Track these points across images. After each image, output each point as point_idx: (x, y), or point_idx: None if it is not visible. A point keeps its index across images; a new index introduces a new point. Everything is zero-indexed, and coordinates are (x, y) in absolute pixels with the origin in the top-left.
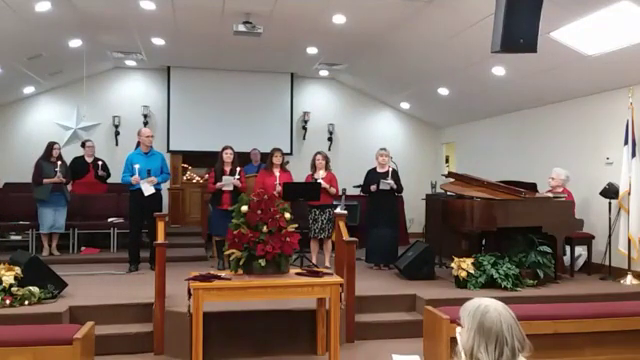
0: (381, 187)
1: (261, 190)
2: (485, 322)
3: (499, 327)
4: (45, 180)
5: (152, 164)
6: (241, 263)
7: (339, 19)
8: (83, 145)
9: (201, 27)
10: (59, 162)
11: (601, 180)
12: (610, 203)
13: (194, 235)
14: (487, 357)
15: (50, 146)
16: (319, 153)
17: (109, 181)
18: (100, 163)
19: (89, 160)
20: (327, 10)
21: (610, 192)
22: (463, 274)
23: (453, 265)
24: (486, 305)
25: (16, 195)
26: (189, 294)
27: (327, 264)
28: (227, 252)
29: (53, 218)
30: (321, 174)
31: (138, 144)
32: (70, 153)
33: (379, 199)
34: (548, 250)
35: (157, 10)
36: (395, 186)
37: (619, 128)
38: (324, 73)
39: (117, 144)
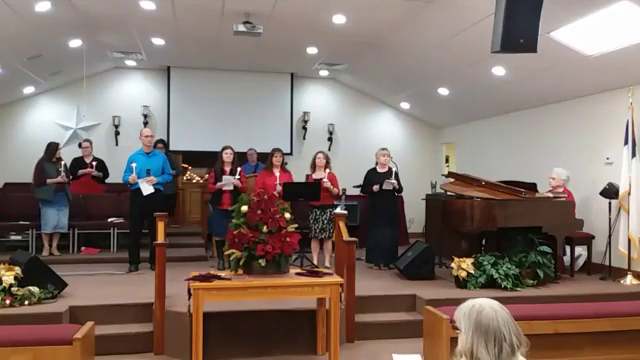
0: (384, 187)
1: (261, 190)
2: (482, 320)
3: (496, 324)
4: (49, 180)
5: (153, 164)
6: (241, 263)
7: (339, 19)
8: (80, 146)
9: (201, 27)
10: (62, 162)
11: (601, 180)
12: (610, 203)
13: (194, 235)
14: (487, 356)
15: (54, 148)
16: (321, 152)
17: (110, 181)
18: (95, 163)
19: (87, 160)
20: (327, 10)
21: (610, 192)
22: (463, 274)
23: (453, 265)
24: (480, 304)
25: (16, 195)
26: (189, 294)
27: (327, 264)
28: (227, 252)
29: (57, 218)
30: (322, 174)
31: None
32: (69, 153)
33: (379, 199)
34: (548, 250)
35: (157, 10)
36: (397, 186)
37: (619, 128)
38: (324, 73)
39: (117, 144)
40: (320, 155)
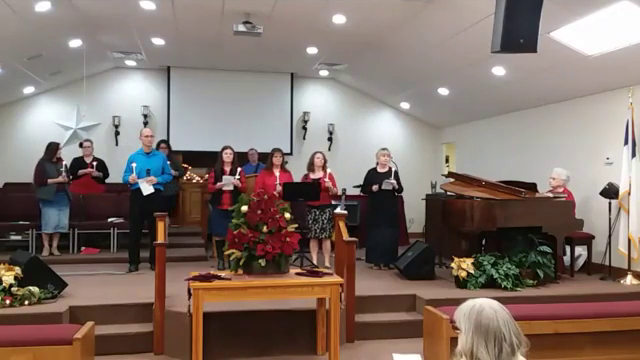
0: (383, 187)
1: (261, 190)
2: (482, 320)
3: (496, 324)
4: (50, 180)
5: (153, 164)
6: (241, 263)
7: (339, 19)
8: (81, 145)
9: (201, 27)
10: (64, 162)
11: (601, 180)
12: (610, 203)
13: (194, 235)
14: (487, 356)
15: (54, 148)
16: (319, 152)
17: (110, 181)
18: (95, 163)
19: (88, 160)
20: (327, 10)
21: (610, 192)
22: (463, 274)
23: (453, 265)
24: (480, 304)
25: (16, 195)
26: (189, 294)
27: (327, 264)
28: (227, 252)
29: (58, 218)
30: (321, 174)
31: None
32: (70, 153)
33: (379, 199)
34: (548, 250)
35: (157, 10)
36: (397, 186)
37: (619, 128)
38: (324, 73)
39: (117, 144)
40: (319, 155)
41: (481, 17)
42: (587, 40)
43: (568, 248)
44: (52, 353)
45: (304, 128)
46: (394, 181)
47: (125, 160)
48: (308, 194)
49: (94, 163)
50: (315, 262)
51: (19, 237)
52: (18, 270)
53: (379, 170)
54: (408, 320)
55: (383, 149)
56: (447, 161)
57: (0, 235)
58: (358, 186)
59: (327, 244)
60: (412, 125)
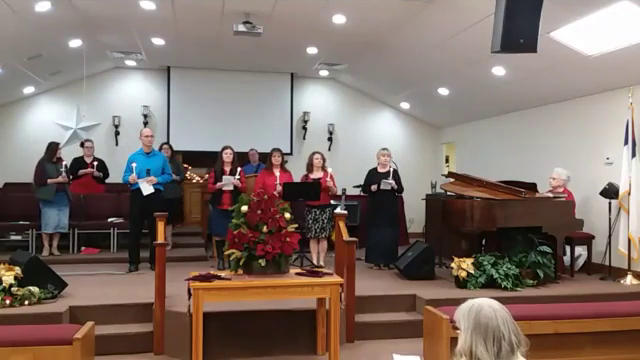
0: (382, 187)
1: (261, 190)
2: (481, 319)
3: (495, 322)
4: (50, 180)
5: (152, 164)
6: (241, 263)
7: (339, 19)
8: (82, 145)
9: (201, 27)
10: (64, 162)
11: (601, 180)
12: (610, 203)
13: (194, 235)
14: (487, 354)
15: (54, 148)
16: (317, 152)
17: (110, 181)
18: (95, 163)
19: (88, 160)
20: (327, 10)
21: (610, 192)
22: (463, 274)
23: (453, 265)
24: (479, 303)
25: (16, 195)
26: (189, 294)
27: (321, 263)
28: (227, 252)
29: (58, 218)
30: (320, 174)
31: None
32: (70, 153)
33: (379, 199)
34: (548, 250)
35: (157, 10)
36: (396, 186)
37: (619, 128)
38: (324, 73)
39: (117, 144)
40: (318, 155)
41: (481, 17)
42: (587, 40)
43: (568, 248)
44: (52, 353)
45: (304, 128)
46: (392, 181)
47: (125, 160)
48: (308, 194)
49: (94, 163)
50: (315, 262)
51: (19, 237)
52: (18, 270)
53: (380, 170)
54: (408, 320)
55: (383, 149)
56: (447, 161)
57: (0, 235)
58: (358, 186)
59: (324, 244)
60: (412, 125)
